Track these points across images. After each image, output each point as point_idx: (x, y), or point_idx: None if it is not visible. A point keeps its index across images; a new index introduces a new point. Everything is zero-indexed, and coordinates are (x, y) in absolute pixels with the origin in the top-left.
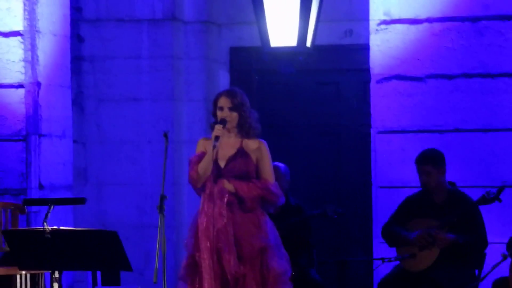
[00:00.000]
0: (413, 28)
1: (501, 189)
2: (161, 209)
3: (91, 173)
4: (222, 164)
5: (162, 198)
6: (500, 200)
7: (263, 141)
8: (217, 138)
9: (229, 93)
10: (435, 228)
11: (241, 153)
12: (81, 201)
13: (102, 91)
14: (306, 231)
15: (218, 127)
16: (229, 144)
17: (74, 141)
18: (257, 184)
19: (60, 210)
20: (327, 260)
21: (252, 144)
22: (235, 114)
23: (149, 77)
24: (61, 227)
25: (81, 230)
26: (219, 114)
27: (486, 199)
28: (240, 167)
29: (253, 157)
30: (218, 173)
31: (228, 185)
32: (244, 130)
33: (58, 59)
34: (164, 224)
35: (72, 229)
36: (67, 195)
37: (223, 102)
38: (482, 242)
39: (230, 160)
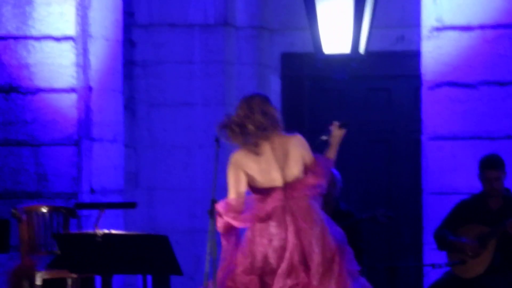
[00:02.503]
0: (465, 35)
1: None
2: (212, 213)
3: (142, 177)
4: None
5: (213, 202)
6: None
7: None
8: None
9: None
10: (487, 234)
11: None
12: (131, 205)
13: (154, 96)
14: (356, 235)
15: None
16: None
17: (125, 146)
18: None
19: (111, 214)
20: (377, 266)
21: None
22: None
23: (201, 82)
24: (112, 231)
25: (132, 234)
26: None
27: None
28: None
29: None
30: None
31: None
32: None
33: (110, 63)
34: (214, 228)
35: (123, 233)
36: (118, 199)
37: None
38: None
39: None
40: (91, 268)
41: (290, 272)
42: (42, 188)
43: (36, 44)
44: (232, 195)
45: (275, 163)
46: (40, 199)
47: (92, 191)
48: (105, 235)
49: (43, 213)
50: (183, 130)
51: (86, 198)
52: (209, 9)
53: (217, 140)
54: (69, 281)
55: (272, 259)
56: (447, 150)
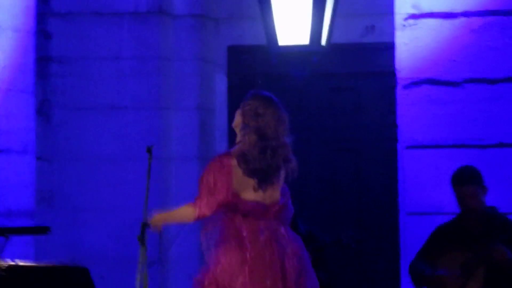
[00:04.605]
0: (447, 23)
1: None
2: (142, 240)
3: (59, 197)
4: None
5: (144, 226)
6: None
7: None
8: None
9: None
10: (470, 262)
11: None
12: (44, 230)
13: (74, 98)
14: (320, 265)
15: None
16: None
17: (38, 158)
18: None
19: (19, 241)
20: None
21: None
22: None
23: (132, 81)
24: (19, 262)
25: (44, 266)
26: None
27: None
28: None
29: None
30: None
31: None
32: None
33: (19, 59)
34: (146, 258)
35: (32, 264)
36: (28, 223)
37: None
38: None
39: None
40: None
41: None
42: None
43: None
44: None
45: None
46: None
47: None
48: (10, 267)
49: None
50: (110, 139)
51: None
52: None
53: (149, 150)
54: None
55: None
56: (428, 161)
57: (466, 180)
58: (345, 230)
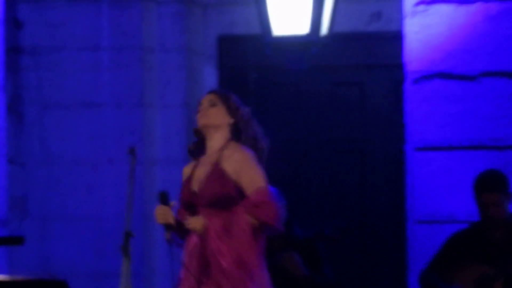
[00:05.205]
0: (462, 9)
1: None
2: (126, 250)
3: (33, 203)
4: (196, 189)
5: (128, 235)
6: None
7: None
8: (168, 225)
9: (216, 90)
10: (488, 277)
11: (216, 170)
12: (18, 240)
13: (48, 94)
14: (319, 269)
15: (160, 209)
16: (207, 159)
17: (10, 161)
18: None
19: None
20: None
21: (232, 156)
22: (219, 111)
23: (111, 75)
24: None
25: (19, 279)
26: (197, 116)
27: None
28: (215, 190)
29: (231, 173)
30: (196, 204)
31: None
32: (236, 136)
33: None
34: (129, 270)
35: (6, 278)
36: (0, 232)
37: (204, 99)
38: None
39: (201, 182)
40: None
41: None
42: None
43: None
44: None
45: None
46: None
47: None
48: None
49: None
50: (87, 139)
51: None
52: None
53: (132, 151)
54: None
55: None
56: (439, 164)
57: (491, 186)
58: (327, 221)
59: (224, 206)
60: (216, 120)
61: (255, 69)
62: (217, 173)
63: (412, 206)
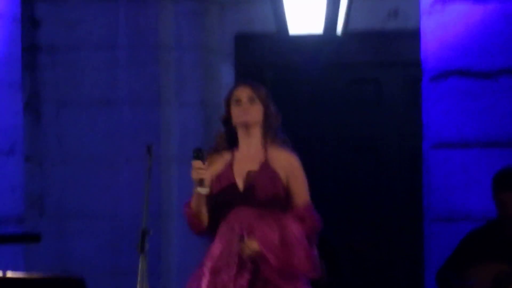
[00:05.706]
0: (479, 8)
1: None
2: (142, 248)
3: (50, 201)
4: (240, 185)
5: (144, 234)
6: None
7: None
8: (201, 181)
9: (249, 82)
10: (505, 275)
11: (267, 169)
12: (35, 238)
13: (65, 92)
14: (333, 270)
15: (196, 164)
16: (249, 155)
17: (27, 159)
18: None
19: (7, 250)
20: None
21: (279, 157)
22: (258, 108)
23: (128, 73)
24: (8, 274)
25: (36, 277)
26: (236, 111)
27: None
28: (267, 189)
29: (282, 175)
30: (235, 200)
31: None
32: (269, 135)
33: (4, 49)
34: (146, 268)
35: (23, 275)
36: (17, 230)
37: (240, 92)
38: None
39: (252, 179)
40: None
41: None
42: None
43: None
44: None
45: None
46: None
47: None
48: None
49: None
50: (104, 138)
51: None
52: None
53: (149, 150)
54: None
55: None
56: (456, 162)
57: (509, 184)
58: (357, 235)
59: (274, 206)
60: (256, 118)
61: (272, 67)
62: (269, 172)
63: (429, 204)
